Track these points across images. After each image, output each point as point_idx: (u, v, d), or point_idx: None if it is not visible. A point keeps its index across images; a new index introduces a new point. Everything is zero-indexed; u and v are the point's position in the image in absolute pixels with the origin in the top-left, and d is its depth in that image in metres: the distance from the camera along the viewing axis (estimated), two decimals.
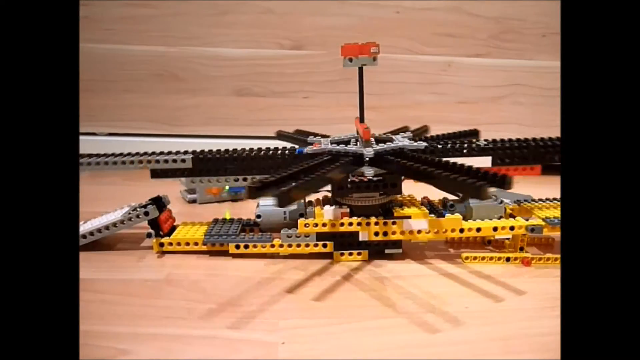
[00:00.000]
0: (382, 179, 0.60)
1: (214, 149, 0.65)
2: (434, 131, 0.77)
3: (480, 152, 0.62)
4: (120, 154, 0.66)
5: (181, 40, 1.12)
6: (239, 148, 0.65)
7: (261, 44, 1.13)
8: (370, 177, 0.59)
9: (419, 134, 0.75)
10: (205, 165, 0.63)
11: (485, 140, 0.64)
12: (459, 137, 0.73)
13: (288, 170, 0.50)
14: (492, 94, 1.18)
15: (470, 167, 0.48)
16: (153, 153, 0.65)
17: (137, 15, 1.10)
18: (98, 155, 0.66)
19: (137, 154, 0.65)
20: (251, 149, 0.65)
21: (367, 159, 0.58)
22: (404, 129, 0.76)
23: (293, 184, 0.46)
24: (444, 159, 0.52)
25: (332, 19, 1.12)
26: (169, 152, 0.65)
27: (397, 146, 0.60)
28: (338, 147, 0.61)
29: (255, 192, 0.44)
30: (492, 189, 0.44)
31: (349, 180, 0.61)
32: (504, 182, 0.43)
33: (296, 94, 1.16)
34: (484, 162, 0.62)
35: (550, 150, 0.62)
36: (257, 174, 0.63)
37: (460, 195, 0.66)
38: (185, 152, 0.64)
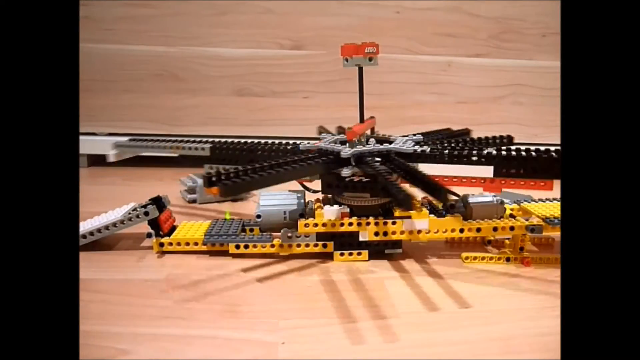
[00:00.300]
0: (370, 181, 0.60)
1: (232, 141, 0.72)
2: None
3: (482, 161, 0.57)
4: (156, 140, 0.77)
5: (181, 40, 1.12)
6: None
7: (261, 44, 1.13)
8: (346, 177, 0.59)
9: (457, 135, 0.73)
10: (221, 154, 0.69)
11: (496, 148, 0.59)
12: (492, 144, 0.68)
13: (253, 165, 0.53)
14: (492, 94, 1.18)
15: (423, 176, 0.50)
16: (181, 141, 0.74)
17: (137, 15, 1.11)
18: (137, 139, 0.78)
19: (169, 140, 0.75)
20: (266, 143, 0.68)
21: (351, 159, 0.59)
22: (445, 130, 0.75)
23: (243, 178, 0.50)
24: (411, 165, 0.54)
25: (332, 19, 1.12)
26: (193, 141, 0.73)
27: (384, 149, 0.60)
28: (327, 146, 0.62)
29: (208, 182, 0.48)
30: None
31: (338, 178, 0.61)
32: (439, 195, 0.44)
33: (296, 94, 1.16)
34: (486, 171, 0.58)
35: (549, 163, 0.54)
36: None
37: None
38: (205, 142, 0.72)
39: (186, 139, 0.75)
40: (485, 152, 0.57)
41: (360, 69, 0.61)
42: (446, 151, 0.59)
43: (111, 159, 0.80)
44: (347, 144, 0.61)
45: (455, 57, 1.16)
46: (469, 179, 0.58)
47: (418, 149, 0.61)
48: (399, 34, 1.14)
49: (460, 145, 0.65)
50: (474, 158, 0.57)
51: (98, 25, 1.10)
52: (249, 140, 0.70)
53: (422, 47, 1.15)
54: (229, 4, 1.11)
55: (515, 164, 0.56)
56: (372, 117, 0.67)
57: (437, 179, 0.51)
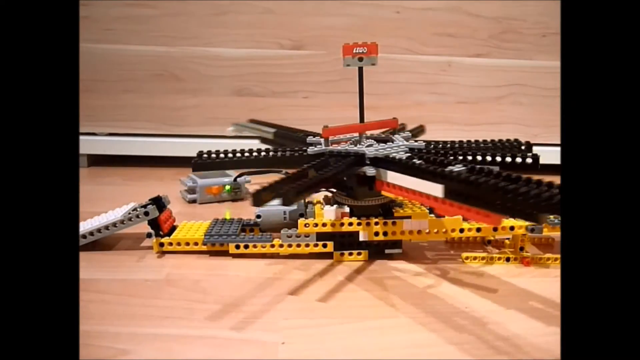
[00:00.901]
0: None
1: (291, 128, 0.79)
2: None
3: (435, 177, 0.47)
4: (258, 122, 0.86)
5: (181, 40, 1.12)
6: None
7: (261, 44, 1.13)
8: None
9: (518, 147, 0.66)
10: (281, 139, 0.75)
11: (470, 167, 0.47)
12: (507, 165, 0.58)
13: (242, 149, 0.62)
14: (492, 94, 1.18)
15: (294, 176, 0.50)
16: (255, 121, 0.87)
17: (137, 15, 1.10)
18: (253, 121, 0.88)
19: (263, 123, 0.84)
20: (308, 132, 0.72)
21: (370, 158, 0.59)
22: (512, 142, 0.67)
23: (214, 159, 0.60)
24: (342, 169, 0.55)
25: (332, 19, 1.12)
26: (261, 122, 0.85)
27: (353, 151, 0.59)
28: (339, 148, 0.63)
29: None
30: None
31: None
32: (287, 198, 0.44)
33: (296, 94, 1.16)
34: None
35: (534, 201, 0.38)
36: None
37: None
38: (273, 126, 0.81)
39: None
40: (439, 168, 0.48)
41: (360, 70, 0.61)
42: (403, 160, 0.54)
43: (229, 133, 0.91)
44: (324, 142, 0.62)
45: (455, 57, 1.16)
46: (425, 195, 0.50)
47: (390, 154, 0.57)
48: (399, 34, 1.14)
49: (440, 156, 0.56)
50: (427, 174, 0.49)
51: (98, 25, 1.10)
52: (307, 129, 0.76)
53: (422, 47, 1.15)
54: (229, 4, 1.11)
55: (462, 188, 0.44)
56: (394, 119, 0.66)
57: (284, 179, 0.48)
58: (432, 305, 0.51)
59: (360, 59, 0.59)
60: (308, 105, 1.17)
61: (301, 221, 0.61)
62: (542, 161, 0.62)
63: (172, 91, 1.15)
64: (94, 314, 0.48)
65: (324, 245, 0.62)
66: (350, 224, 0.60)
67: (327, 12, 1.12)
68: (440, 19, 1.14)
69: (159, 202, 0.66)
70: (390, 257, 0.63)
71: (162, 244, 0.64)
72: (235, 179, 0.91)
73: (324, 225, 0.61)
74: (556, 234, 0.66)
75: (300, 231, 0.61)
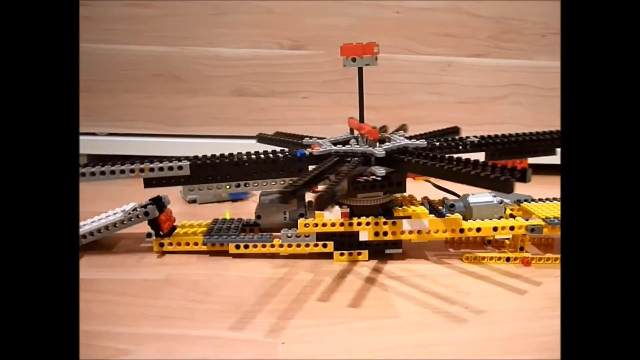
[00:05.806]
0: (388, 178, 0.59)
1: (211, 154, 0.63)
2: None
3: (475, 147, 0.67)
4: (116, 163, 0.63)
5: (181, 40, 1.12)
6: (234, 152, 0.63)
7: (261, 44, 1.13)
8: (381, 176, 0.58)
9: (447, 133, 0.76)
10: (205, 171, 0.60)
11: (476, 136, 0.69)
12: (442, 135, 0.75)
13: (313, 173, 0.51)
14: (492, 94, 1.18)
15: (485, 163, 0.50)
16: (148, 161, 0.61)
17: (137, 15, 1.10)
18: (93, 165, 0.64)
19: (130, 162, 0.62)
20: (248, 153, 0.63)
21: (377, 158, 0.59)
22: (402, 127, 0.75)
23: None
24: (454, 156, 0.54)
25: (332, 19, 1.12)
26: (164, 159, 0.61)
27: (401, 145, 0.61)
28: (345, 148, 0.61)
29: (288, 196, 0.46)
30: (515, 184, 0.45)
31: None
32: (524, 177, 0.45)
33: (296, 94, 1.16)
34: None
35: (548, 142, 0.68)
36: (258, 178, 0.61)
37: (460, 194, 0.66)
38: (182, 159, 0.61)
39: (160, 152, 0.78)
40: (475, 140, 0.68)
41: (360, 70, 0.61)
42: (446, 143, 0.67)
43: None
44: (370, 143, 0.62)
45: (455, 57, 1.16)
46: None
47: (423, 143, 0.64)
48: (399, 34, 1.14)
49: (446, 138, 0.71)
50: (469, 146, 0.67)
51: (98, 25, 1.10)
52: (227, 152, 0.64)
53: (422, 47, 1.15)
54: (229, 4, 1.11)
55: (501, 149, 0.68)
56: (350, 118, 0.67)
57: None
58: (432, 305, 0.51)
59: (354, 60, 0.59)
60: (308, 105, 1.17)
61: (301, 221, 0.61)
62: (542, 161, 0.63)
63: (172, 91, 1.15)
64: (94, 314, 0.48)
65: (324, 245, 0.62)
66: (350, 224, 0.60)
67: (327, 12, 1.12)
68: (440, 19, 1.14)
69: (159, 202, 0.66)
70: (390, 257, 0.63)
71: (162, 244, 0.64)
72: None
73: (324, 225, 0.61)
74: (556, 234, 0.66)
75: (300, 231, 0.61)
